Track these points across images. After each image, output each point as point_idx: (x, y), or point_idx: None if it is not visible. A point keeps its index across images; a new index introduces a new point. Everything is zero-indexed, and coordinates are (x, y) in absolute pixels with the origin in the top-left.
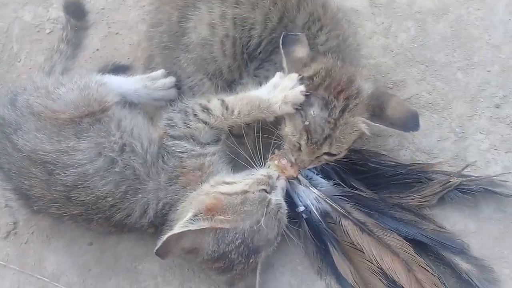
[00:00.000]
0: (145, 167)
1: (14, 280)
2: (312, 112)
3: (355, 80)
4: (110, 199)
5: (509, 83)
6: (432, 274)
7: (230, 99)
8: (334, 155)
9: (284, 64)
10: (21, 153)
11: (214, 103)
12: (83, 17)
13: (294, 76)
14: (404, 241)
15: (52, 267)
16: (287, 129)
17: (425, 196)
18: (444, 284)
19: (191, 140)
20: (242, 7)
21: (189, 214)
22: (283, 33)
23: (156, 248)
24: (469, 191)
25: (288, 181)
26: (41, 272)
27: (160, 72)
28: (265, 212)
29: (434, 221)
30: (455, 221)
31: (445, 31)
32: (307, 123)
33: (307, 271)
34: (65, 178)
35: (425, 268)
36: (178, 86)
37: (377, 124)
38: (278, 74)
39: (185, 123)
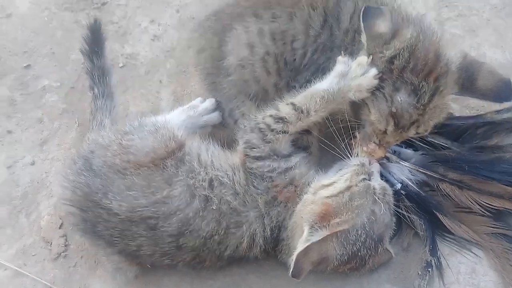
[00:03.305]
0: (237, 198)
1: None
2: (399, 98)
3: (442, 54)
4: (216, 237)
5: None
6: None
7: (299, 100)
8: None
9: (364, 40)
10: (118, 217)
11: (286, 110)
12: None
13: (363, 60)
14: (502, 185)
15: None
16: (373, 116)
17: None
18: None
19: (274, 156)
20: (279, 20)
21: (306, 228)
22: (364, 6)
23: (290, 271)
24: None
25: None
26: None
27: (198, 99)
28: (374, 199)
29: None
30: None
31: None
32: (394, 110)
33: None
34: (170, 228)
35: None
36: (220, 108)
37: (466, 97)
38: (340, 60)
39: (264, 140)
